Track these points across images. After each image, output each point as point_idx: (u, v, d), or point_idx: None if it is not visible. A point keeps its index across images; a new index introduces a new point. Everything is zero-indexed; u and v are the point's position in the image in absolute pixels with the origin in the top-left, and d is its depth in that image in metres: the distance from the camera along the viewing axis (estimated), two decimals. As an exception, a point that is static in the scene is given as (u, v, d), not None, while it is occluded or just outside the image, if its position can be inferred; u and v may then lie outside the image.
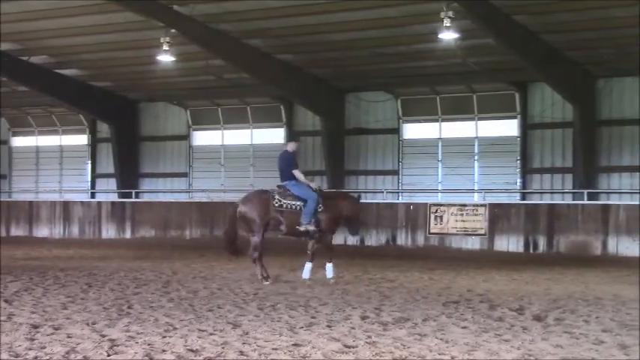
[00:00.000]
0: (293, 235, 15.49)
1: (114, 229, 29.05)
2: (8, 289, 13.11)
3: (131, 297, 12.30)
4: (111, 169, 33.47)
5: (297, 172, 14.96)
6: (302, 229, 14.86)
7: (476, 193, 27.18)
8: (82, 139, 34.85)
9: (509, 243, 23.28)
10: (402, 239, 24.62)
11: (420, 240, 24.36)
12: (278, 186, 15.14)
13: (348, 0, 22.04)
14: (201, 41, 24.78)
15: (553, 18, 22.16)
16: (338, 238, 23.89)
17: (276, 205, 14.84)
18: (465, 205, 24.21)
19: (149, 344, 8.34)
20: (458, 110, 27.99)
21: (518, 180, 27.13)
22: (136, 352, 7.93)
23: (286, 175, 15.05)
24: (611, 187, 25.72)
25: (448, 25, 20.78)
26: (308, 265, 15.11)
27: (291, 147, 15.39)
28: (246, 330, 9.29)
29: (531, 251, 22.95)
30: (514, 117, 27.18)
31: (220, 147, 32.03)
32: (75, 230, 29.77)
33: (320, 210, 14.91)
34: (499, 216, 23.60)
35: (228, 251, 15.39)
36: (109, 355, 7.83)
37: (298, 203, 14.82)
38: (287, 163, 15.13)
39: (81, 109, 32.79)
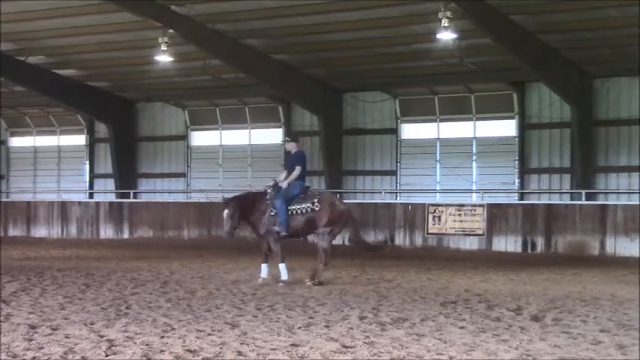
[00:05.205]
0: (292, 236, 15.32)
1: (112, 229, 29.04)
2: (6, 290, 13.10)
3: (129, 297, 12.30)
4: (109, 170, 33.43)
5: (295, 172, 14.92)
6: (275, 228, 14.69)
7: (474, 194, 27.18)
8: (79, 140, 34.79)
9: (507, 243, 23.30)
10: (400, 239, 24.62)
11: (418, 240, 24.38)
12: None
13: (346, 0, 22.05)
14: (199, 41, 24.76)
15: (551, 18, 22.18)
16: (337, 238, 23.98)
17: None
18: (463, 206, 24.23)
19: (147, 344, 8.35)
20: (456, 110, 27.97)
21: (516, 180, 27.11)
22: (134, 353, 7.93)
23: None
24: (609, 187, 25.72)
25: (446, 25, 20.76)
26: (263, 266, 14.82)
27: (289, 147, 15.34)
28: (245, 330, 9.30)
29: (529, 251, 22.97)
30: (512, 117, 27.17)
31: (218, 147, 32.00)
32: (73, 230, 29.76)
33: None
34: (497, 216, 23.61)
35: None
36: (107, 356, 7.83)
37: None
38: (290, 163, 15.25)
39: (79, 109, 32.75)
